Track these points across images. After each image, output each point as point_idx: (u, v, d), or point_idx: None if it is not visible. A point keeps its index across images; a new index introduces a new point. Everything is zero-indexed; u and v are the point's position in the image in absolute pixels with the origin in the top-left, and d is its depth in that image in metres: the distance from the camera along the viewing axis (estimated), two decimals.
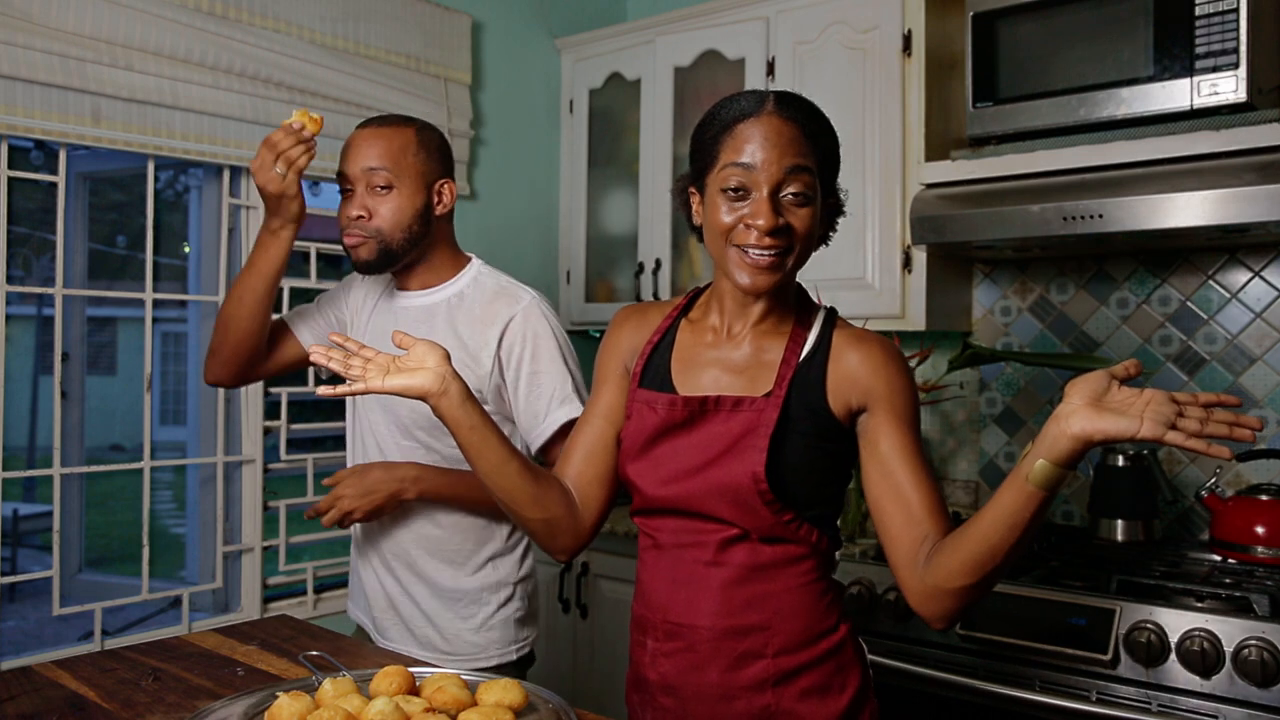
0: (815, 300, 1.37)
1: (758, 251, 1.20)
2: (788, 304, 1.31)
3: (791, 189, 1.20)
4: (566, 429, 1.66)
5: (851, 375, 1.24)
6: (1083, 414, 1.02)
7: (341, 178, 1.73)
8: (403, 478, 1.69)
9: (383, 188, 1.68)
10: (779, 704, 1.24)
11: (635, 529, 1.36)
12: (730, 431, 1.24)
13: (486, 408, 1.69)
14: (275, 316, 1.88)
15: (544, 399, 1.69)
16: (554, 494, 1.33)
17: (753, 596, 1.25)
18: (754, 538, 1.24)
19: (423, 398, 1.22)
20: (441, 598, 1.74)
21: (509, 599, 1.76)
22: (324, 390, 1.25)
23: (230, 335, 1.73)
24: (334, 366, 1.24)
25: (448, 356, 1.25)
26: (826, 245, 1.36)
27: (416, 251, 1.74)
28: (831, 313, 1.33)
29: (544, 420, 1.68)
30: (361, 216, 1.69)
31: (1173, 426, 0.99)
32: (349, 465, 1.85)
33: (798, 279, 1.34)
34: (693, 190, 1.31)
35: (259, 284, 1.69)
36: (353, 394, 1.21)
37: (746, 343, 1.30)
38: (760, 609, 1.24)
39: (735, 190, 1.21)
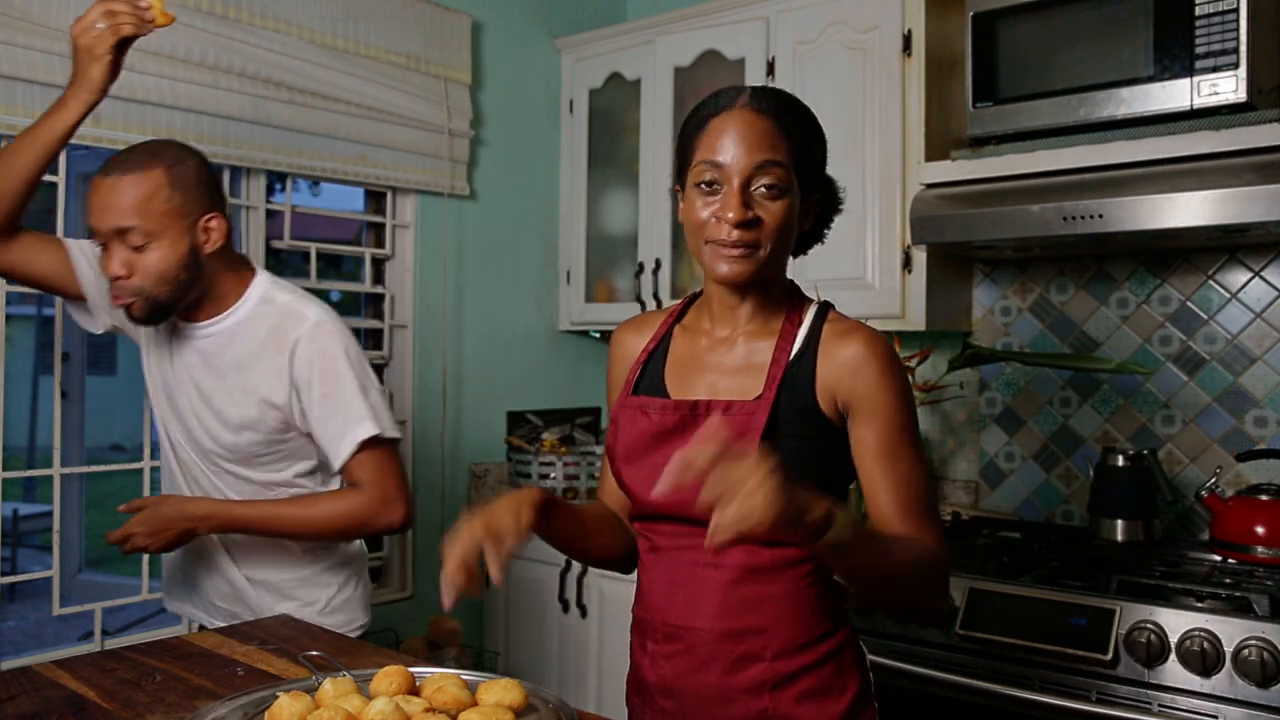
0: (813, 297, 1.35)
1: (728, 246, 1.20)
2: (775, 303, 1.29)
3: (763, 182, 1.20)
4: (364, 446, 1.67)
5: (836, 373, 1.23)
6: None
7: (93, 232, 1.59)
8: (192, 515, 1.67)
9: (138, 246, 1.57)
10: (777, 707, 1.23)
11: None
12: None
13: (290, 434, 1.72)
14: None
15: (339, 419, 1.68)
16: (620, 532, 1.41)
17: (751, 599, 1.24)
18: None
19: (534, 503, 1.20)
20: (261, 587, 1.79)
21: (339, 588, 1.82)
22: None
23: None
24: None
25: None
26: (822, 243, 1.35)
27: (195, 291, 1.66)
28: (823, 307, 1.30)
29: (343, 440, 1.68)
30: (122, 276, 1.58)
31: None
32: (163, 481, 1.87)
33: (795, 280, 1.33)
34: (678, 188, 1.31)
35: (31, 145, 1.58)
36: None
37: (739, 345, 1.29)
38: (758, 611, 1.24)
39: (709, 185, 1.21)
